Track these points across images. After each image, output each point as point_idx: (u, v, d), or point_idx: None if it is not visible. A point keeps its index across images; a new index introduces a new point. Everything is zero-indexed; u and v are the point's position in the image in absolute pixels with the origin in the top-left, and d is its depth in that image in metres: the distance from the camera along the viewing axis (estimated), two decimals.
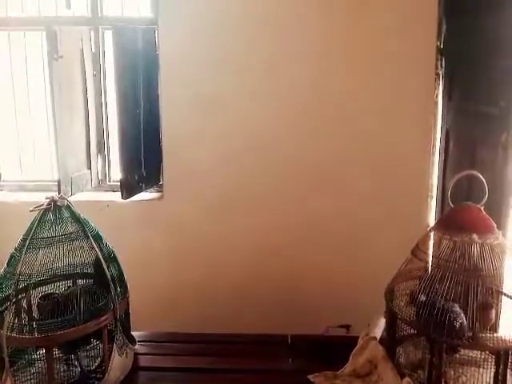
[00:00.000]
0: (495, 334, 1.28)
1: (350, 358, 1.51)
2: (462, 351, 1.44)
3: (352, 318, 2.41)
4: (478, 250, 1.27)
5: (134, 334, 1.64)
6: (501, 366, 1.28)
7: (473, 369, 1.41)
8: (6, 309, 1.35)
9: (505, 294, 1.35)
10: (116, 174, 2.65)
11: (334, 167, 2.43)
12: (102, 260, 1.45)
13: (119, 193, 2.44)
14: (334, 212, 2.45)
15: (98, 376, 1.46)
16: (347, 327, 2.47)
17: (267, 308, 2.46)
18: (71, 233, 1.45)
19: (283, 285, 2.47)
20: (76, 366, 1.49)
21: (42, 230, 1.42)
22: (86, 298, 1.38)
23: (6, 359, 1.32)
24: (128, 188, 2.44)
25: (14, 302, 1.39)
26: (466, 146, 2.07)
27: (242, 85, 2.39)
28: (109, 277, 1.45)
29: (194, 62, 2.38)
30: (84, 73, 2.50)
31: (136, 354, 1.62)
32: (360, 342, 1.53)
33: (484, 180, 1.33)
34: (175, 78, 2.41)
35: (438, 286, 1.28)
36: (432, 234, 1.39)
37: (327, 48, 2.34)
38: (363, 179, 2.41)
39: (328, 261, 2.47)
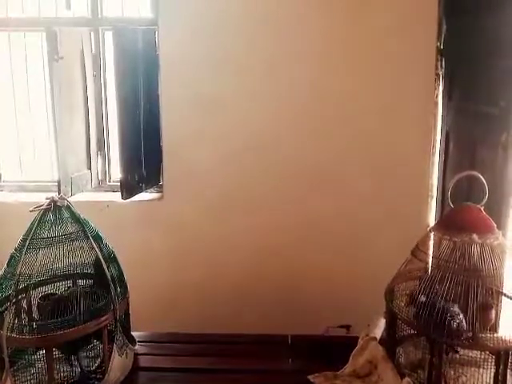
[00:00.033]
0: (495, 335, 1.28)
1: (350, 358, 1.51)
2: (462, 351, 1.44)
3: (352, 319, 2.41)
4: (478, 250, 1.26)
5: (134, 334, 1.64)
6: (501, 366, 1.28)
7: (473, 369, 1.41)
8: (6, 309, 1.35)
9: (505, 295, 1.35)
10: (116, 174, 2.65)
11: (334, 167, 2.43)
12: (102, 260, 1.45)
13: (119, 193, 2.44)
14: (334, 212, 2.45)
15: (97, 376, 1.46)
16: (347, 327, 2.47)
17: (267, 308, 2.46)
18: (71, 233, 1.45)
19: (283, 285, 2.47)
20: (76, 367, 1.49)
21: (42, 231, 1.42)
22: (85, 299, 1.38)
23: (6, 359, 1.32)
24: (128, 188, 2.44)
25: (14, 303, 1.39)
26: (466, 146, 2.07)
27: (242, 85, 2.39)
28: (109, 277, 1.45)
29: (194, 62, 2.38)
30: (84, 74, 2.50)
31: (136, 355, 1.62)
32: (360, 342, 1.53)
33: (484, 180, 1.33)
34: (175, 78, 2.41)
35: (437, 286, 1.28)
36: (432, 234, 1.39)
37: (327, 48, 2.34)
38: (363, 179, 2.41)
39: (328, 261, 2.47)
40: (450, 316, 1.25)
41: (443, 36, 2.27)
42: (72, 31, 2.45)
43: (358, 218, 2.44)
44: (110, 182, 2.72)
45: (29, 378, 1.43)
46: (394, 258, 1.46)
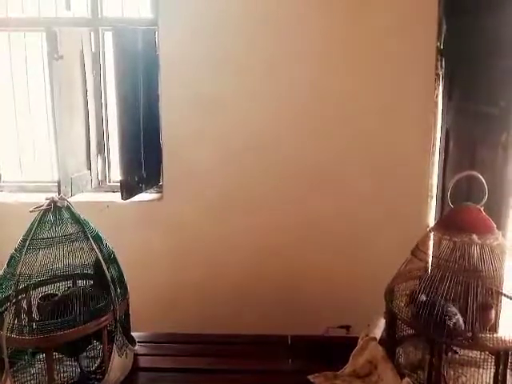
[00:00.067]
0: (495, 335, 1.27)
1: (350, 358, 1.51)
2: (462, 351, 1.44)
3: (352, 319, 2.41)
4: (478, 250, 1.26)
5: (134, 334, 1.64)
6: (500, 367, 1.28)
7: (473, 369, 1.41)
8: (5, 309, 1.35)
9: (504, 295, 1.35)
10: (116, 174, 2.65)
11: (334, 167, 2.43)
12: (102, 261, 1.45)
13: (119, 193, 2.44)
14: (334, 212, 2.45)
15: (97, 377, 1.46)
16: (347, 328, 2.47)
17: (267, 308, 2.46)
18: (71, 234, 1.45)
19: (283, 285, 2.47)
20: (76, 367, 1.49)
21: (42, 231, 1.42)
22: (85, 299, 1.38)
23: (6, 360, 1.32)
24: (128, 189, 2.44)
25: (13, 303, 1.39)
26: (465, 146, 2.07)
27: (242, 85, 2.39)
28: (109, 278, 1.45)
29: (194, 63, 2.38)
30: (84, 73, 2.49)
31: (136, 355, 1.62)
32: (360, 342, 1.53)
33: (484, 180, 1.33)
34: (175, 78, 2.41)
35: (437, 286, 1.28)
36: (432, 234, 1.39)
37: (327, 48, 2.34)
38: (363, 179, 2.41)
39: (328, 261, 2.47)
40: (447, 316, 1.26)
41: (443, 36, 2.27)
42: (72, 31, 2.45)
43: (358, 217, 2.44)
44: (109, 182, 2.72)
45: (28, 378, 1.43)
46: (394, 258, 1.46)
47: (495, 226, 1.33)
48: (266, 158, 2.44)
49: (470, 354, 1.44)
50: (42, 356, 1.47)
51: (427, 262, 1.38)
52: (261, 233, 2.48)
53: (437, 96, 2.33)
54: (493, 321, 1.34)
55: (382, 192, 2.41)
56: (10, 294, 1.35)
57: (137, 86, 2.42)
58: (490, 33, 1.86)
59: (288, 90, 2.38)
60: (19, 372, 1.46)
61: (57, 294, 1.48)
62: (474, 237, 1.28)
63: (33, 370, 1.46)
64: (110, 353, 1.44)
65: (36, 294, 1.46)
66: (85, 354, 1.53)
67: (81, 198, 2.50)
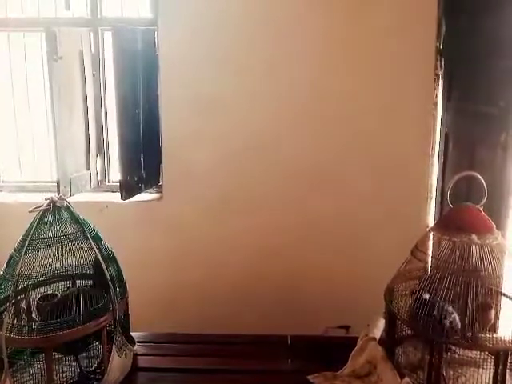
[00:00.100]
0: (494, 335, 1.27)
1: (350, 358, 1.51)
2: (462, 351, 1.44)
3: (351, 319, 2.41)
4: (478, 250, 1.26)
5: (134, 334, 1.64)
6: (500, 367, 1.28)
7: (472, 369, 1.41)
8: (5, 310, 1.36)
9: (504, 295, 1.35)
10: (115, 174, 2.65)
11: (334, 167, 2.43)
12: (102, 261, 1.45)
13: (118, 193, 2.44)
14: (334, 212, 2.45)
15: (97, 377, 1.46)
16: (347, 328, 2.47)
17: (267, 308, 2.46)
18: (70, 234, 1.45)
19: (283, 285, 2.47)
20: (75, 367, 1.49)
21: (42, 231, 1.42)
22: (85, 299, 1.38)
23: (6, 360, 1.32)
24: (127, 189, 2.44)
25: (13, 303, 1.39)
26: (465, 147, 2.07)
27: (242, 85, 2.39)
28: (108, 277, 1.45)
29: (193, 63, 2.38)
30: (83, 74, 2.49)
31: (135, 355, 1.62)
32: (359, 342, 1.53)
33: (483, 180, 1.33)
34: (175, 78, 2.41)
35: (437, 286, 1.28)
36: (431, 234, 1.38)
37: (327, 48, 2.34)
38: (363, 179, 2.41)
39: (328, 261, 2.47)
40: (443, 314, 1.26)
41: (443, 36, 2.27)
42: (71, 31, 2.45)
43: (358, 218, 2.44)
44: (109, 182, 2.72)
45: (28, 378, 1.44)
46: (394, 258, 1.46)
47: (495, 226, 1.33)
48: (266, 158, 2.44)
49: (470, 354, 1.44)
50: (41, 356, 1.46)
51: (427, 263, 1.38)
52: (261, 233, 2.48)
53: (436, 96, 2.33)
54: (492, 321, 1.34)
55: (382, 192, 2.41)
56: (9, 294, 1.35)
57: (136, 86, 2.42)
58: (490, 33, 1.86)
59: (288, 90, 2.38)
60: (18, 372, 1.46)
61: (56, 294, 1.48)
62: (474, 237, 1.28)
63: (32, 370, 1.46)
64: (110, 353, 1.44)
65: (35, 294, 1.46)
66: (84, 354, 1.52)
67: (80, 198, 2.50)
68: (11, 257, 1.41)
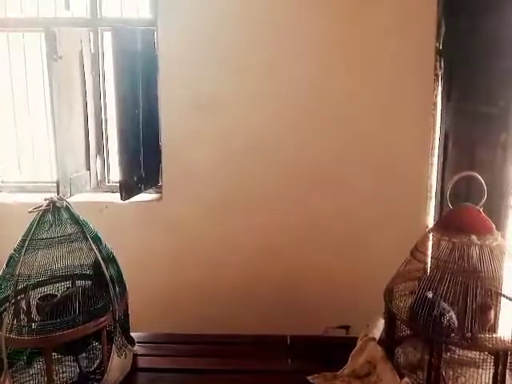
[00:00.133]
0: (494, 335, 1.28)
1: (349, 358, 1.51)
2: (461, 352, 1.44)
3: (351, 319, 2.41)
4: (477, 251, 1.27)
5: (133, 335, 1.64)
6: (500, 367, 1.28)
7: (472, 369, 1.41)
8: (5, 310, 1.36)
9: (504, 296, 1.35)
10: (115, 174, 2.64)
11: (334, 167, 2.43)
12: (101, 261, 1.45)
13: (118, 194, 2.44)
14: (334, 212, 2.45)
15: (97, 377, 1.46)
16: (346, 328, 2.47)
17: (267, 308, 2.46)
18: (70, 234, 1.45)
19: (283, 285, 2.47)
20: (75, 367, 1.49)
21: (41, 231, 1.42)
22: (84, 300, 1.38)
23: (5, 360, 1.32)
24: (127, 189, 2.44)
25: (13, 303, 1.39)
26: (465, 147, 2.07)
27: (242, 85, 2.39)
28: (108, 278, 1.45)
29: (193, 63, 2.38)
30: (83, 74, 2.49)
31: (135, 355, 1.62)
32: (359, 342, 1.53)
33: (483, 181, 1.33)
34: (174, 78, 2.41)
35: (436, 287, 1.28)
36: (431, 234, 1.38)
37: (327, 48, 2.34)
38: (363, 179, 2.41)
39: (328, 261, 2.47)
40: (440, 313, 1.26)
41: (442, 36, 2.27)
42: (71, 31, 2.45)
43: (358, 218, 2.44)
44: (108, 182, 2.71)
45: (28, 378, 1.44)
46: (394, 258, 1.46)
47: (494, 226, 1.33)
48: (266, 158, 2.44)
49: (470, 355, 1.45)
50: (41, 356, 1.46)
51: (426, 263, 1.38)
52: (261, 233, 2.48)
53: (436, 96, 2.32)
54: (492, 321, 1.34)
55: (382, 192, 2.41)
56: (9, 295, 1.36)
57: (136, 86, 2.42)
58: (489, 33, 1.86)
59: (288, 89, 2.38)
60: (18, 372, 1.46)
61: (56, 295, 1.48)
62: (473, 237, 1.28)
63: (32, 371, 1.47)
64: (109, 353, 1.45)
65: (35, 295, 1.46)
66: (84, 354, 1.53)
67: (80, 199, 2.49)
68: (11, 257, 1.41)
